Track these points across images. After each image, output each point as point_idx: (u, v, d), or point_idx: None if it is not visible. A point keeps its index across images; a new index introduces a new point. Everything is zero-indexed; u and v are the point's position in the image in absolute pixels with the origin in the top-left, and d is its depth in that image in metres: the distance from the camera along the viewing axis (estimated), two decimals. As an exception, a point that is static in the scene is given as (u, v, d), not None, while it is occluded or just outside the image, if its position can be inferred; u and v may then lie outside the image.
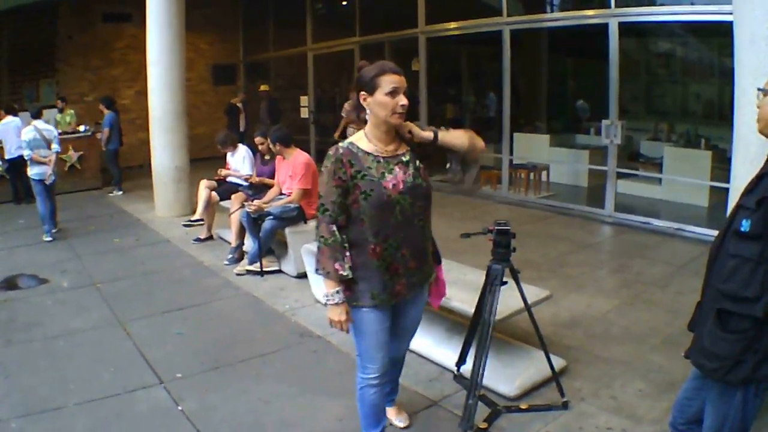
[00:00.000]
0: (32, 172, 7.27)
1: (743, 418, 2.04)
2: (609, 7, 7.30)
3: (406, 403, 3.31)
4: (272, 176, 6.20)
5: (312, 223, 5.70)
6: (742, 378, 1.97)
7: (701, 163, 7.85)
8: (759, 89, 2.09)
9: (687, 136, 9.06)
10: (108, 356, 4.17)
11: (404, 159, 2.51)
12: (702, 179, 7.73)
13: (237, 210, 6.08)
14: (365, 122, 2.51)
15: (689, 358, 2.18)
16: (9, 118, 9.42)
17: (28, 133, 7.27)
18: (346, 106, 10.79)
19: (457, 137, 2.55)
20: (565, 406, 3.26)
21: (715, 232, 2.18)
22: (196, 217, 7.27)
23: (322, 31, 12.88)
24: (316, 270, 2.47)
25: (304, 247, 5.03)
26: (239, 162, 6.92)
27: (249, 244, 6.04)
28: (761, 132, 2.09)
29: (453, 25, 9.75)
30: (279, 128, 6.01)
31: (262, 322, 4.74)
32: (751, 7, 3.82)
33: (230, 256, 6.18)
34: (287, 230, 5.64)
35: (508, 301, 3.23)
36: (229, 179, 6.93)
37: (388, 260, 2.46)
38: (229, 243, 6.38)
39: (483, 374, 3.01)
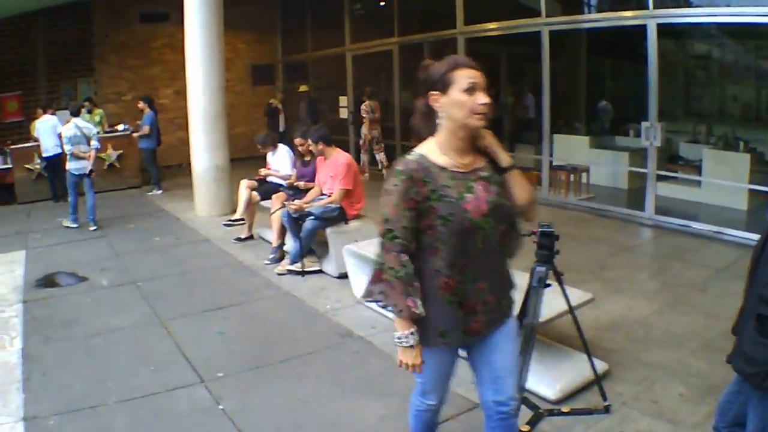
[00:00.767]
0: (72, 166, 7.54)
1: None
2: (647, 8, 7.21)
3: (449, 405, 3.32)
4: (314, 178, 6.19)
5: (353, 224, 5.77)
6: None
7: (740, 166, 7.74)
8: None
9: (725, 139, 8.90)
10: (148, 355, 4.18)
11: (484, 174, 2.12)
12: (741, 182, 7.61)
13: (278, 210, 6.14)
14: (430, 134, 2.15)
15: (731, 363, 2.17)
16: (46, 117, 9.63)
17: (69, 129, 7.57)
18: (364, 107, 10.88)
19: (524, 186, 2.17)
20: (607, 410, 3.26)
21: (754, 236, 2.16)
22: (237, 216, 7.36)
23: (361, 32, 12.90)
24: (384, 306, 2.12)
25: (345, 248, 5.07)
26: (279, 162, 7.00)
27: (290, 244, 6.06)
28: None
29: (492, 25, 9.70)
30: (320, 127, 6.06)
31: (302, 322, 4.74)
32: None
33: (271, 255, 6.21)
34: (328, 230, 5.68)
35: (551, 303, 3.24)
36: (269, 179, 7.01)
37: (462, 295, 2.10)
38: (270, 243, 6.41)
39: (526, 377, 3.03)
